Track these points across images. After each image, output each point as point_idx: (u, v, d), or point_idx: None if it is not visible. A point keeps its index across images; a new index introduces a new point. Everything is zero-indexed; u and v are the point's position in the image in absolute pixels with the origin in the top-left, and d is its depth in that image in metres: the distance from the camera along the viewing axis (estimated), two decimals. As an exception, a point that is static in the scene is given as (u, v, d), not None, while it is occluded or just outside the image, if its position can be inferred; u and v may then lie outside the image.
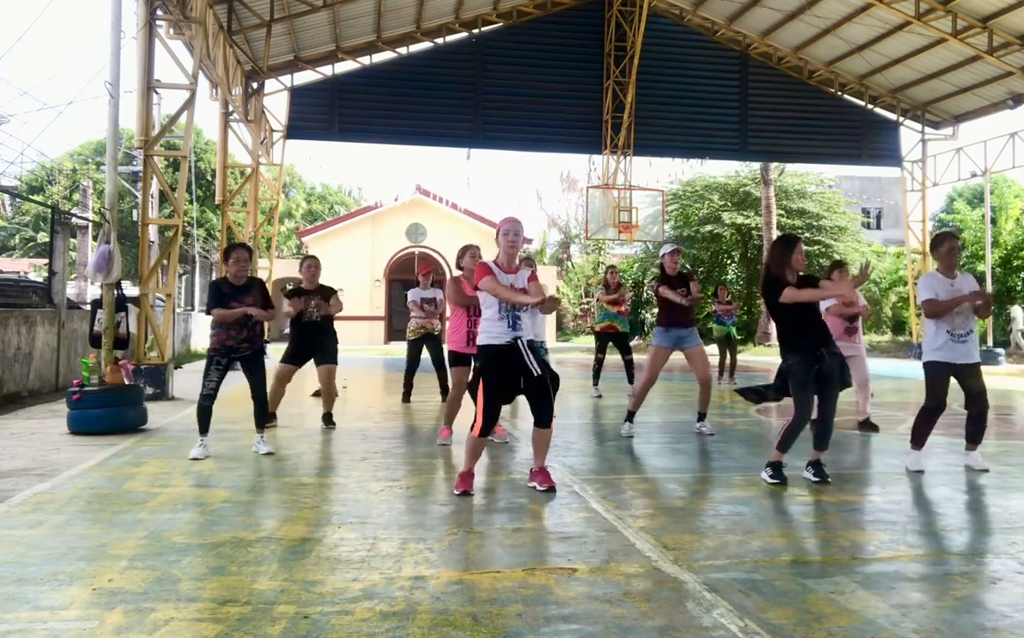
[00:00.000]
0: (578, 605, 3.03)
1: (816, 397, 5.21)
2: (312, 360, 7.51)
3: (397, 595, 3.12)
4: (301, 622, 2.85)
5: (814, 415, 5.25)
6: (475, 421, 4.80)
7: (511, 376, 4.77)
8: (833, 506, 4.69)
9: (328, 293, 7.49)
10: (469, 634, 2.76)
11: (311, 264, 7.57)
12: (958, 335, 5.58)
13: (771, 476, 5.21)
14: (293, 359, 7.49)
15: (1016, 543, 3.92)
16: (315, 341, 7.43)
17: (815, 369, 5.11)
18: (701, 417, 7.40)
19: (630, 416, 7.32)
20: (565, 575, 3.37)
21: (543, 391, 4.82)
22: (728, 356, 13.28)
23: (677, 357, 7.54)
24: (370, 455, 6.18)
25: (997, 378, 15.60)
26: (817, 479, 5.21)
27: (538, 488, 4.91)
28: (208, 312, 6.09)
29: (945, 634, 2.81)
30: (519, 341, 4.74)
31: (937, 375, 5.68)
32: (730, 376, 13.11)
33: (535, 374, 4.72)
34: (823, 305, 8.09)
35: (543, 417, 4.85)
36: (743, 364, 16.33)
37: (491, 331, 4.81)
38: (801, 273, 5.34)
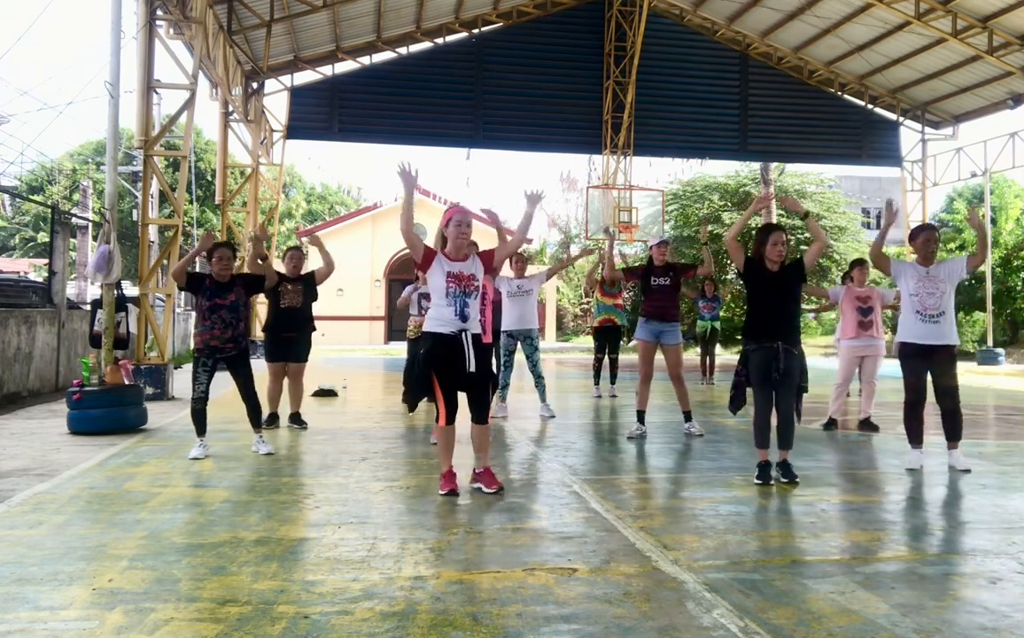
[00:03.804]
0: (578, 605, 3.03)
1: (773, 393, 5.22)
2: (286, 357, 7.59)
3: (397, 595, 3.12)
4: (301, 622, 2.85)
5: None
6: (438, 412, 4.81)
7: (457, 366, 4.69)
8: (833, 506, 4.69)
9: (308, 282, 7.56)
10: (469, 634, 2.76)
11: (294, 255, 7.64)
12: (928, 315, 5.61)
13: (756, 476, 5.22)
14: (278, 355, 7.55)
15: (1016, 543, 3.92)
16: (293, 335, 7.48)
17: (772, 362, 5.11)
18: (687, 417, 7.31)
19: (640, 416, 7.23)
20: (565, 575, 3.37)
21: (480, 388, 4.79)
22: (708, 355, 12.92)
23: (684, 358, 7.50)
24: (370, 455, 6.17)
25: (997, 378, 15.61)
26: (785, 480, 5.17)
27: (484, 490, 4.81)
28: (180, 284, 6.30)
29: (945, 634, 2.81)
30: (464, 334, 4.70)
31: (908, 362, 5.72)
32: (709, 375, 12.83)
33: (468, 370, 4.67)
34: (832, 293, 8.03)
35: (477, 414, 4.82)
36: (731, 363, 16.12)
37: (439, 318, 4.74)
38: (784, 263, 5.32)
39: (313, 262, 8.38)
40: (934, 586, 3.32)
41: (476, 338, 4.77)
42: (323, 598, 3.08)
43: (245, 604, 3.01)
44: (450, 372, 4.72)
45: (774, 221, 26.77)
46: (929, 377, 5.71)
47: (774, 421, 5.28)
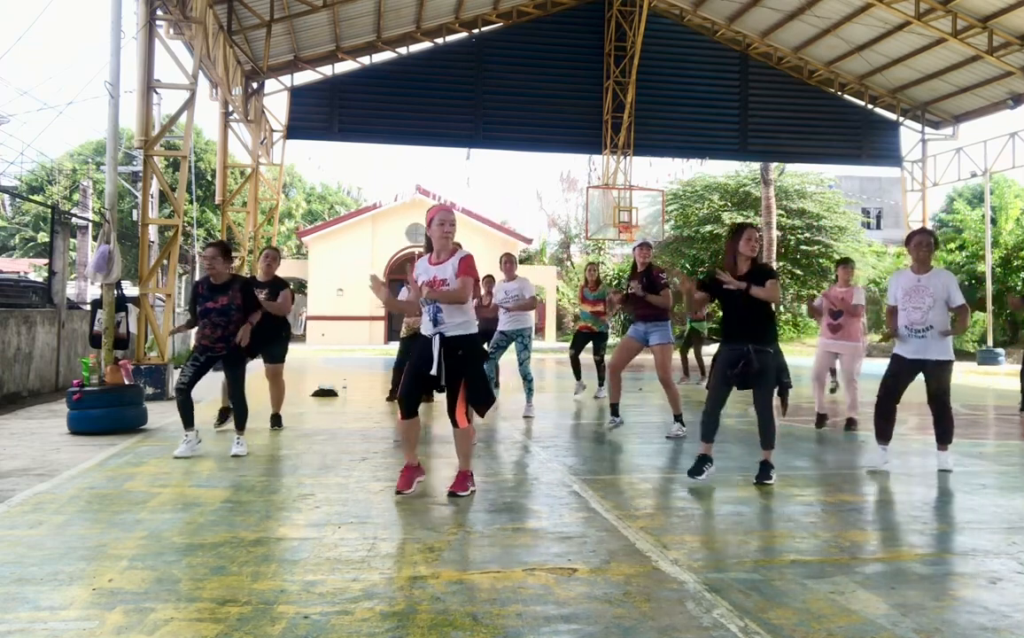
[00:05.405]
0: (578, 605, 3.03)
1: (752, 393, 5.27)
2: (261, 357, 7.43)
3: (397, 595, 3.12)
4: (301, 622, 2.85)
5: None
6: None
7: (429, 367, 4.74)
8: (833, 506, 4.69)
9: (277, 289, 7.21)
10: (469, 634, 2.76)
11: (268, 255, 7.39)
12: (915, 329, 5.66)
13: (690, 469, 5.24)
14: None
15: (1016, 543, 3.92)
16: (264, 337, 7.10)
17: (738, 364, 5.12)
18: (675, 419, 7.29)
19: (614, 409, 7.31)
20: (565, 575, 3.37)
21: (451, 391, 4.77)
22: (696, 357, 13.37)
23: (676, 360, 7.53)
24: (370, 455, 6.18)
25: (997, 378, 15.60)
26: (755, 482, 5.17)
27: (450, 493, 4.77)
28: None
29: (945, 634, 2.81)
30: (434, 338, 4.74)
31: (891, 366, 5.82)
32: (701, 376, 13.02)
33: (431, 372, 4.69)
34: (817, 303, 8.17)
35: (449, 417, 4.84)
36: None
37: (423, 320, 4.92)
38: (749, 269, 5.34)
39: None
40: (934, 586, 3.32)
41: (454, 341, 4.72)
42: (323, 598, 3.08)
43: (245, 604, 3.01)
44: (420, 369, 4.78)
45: (774, 223, 26.76)
46: (924, 380, 5.75)
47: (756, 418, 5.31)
